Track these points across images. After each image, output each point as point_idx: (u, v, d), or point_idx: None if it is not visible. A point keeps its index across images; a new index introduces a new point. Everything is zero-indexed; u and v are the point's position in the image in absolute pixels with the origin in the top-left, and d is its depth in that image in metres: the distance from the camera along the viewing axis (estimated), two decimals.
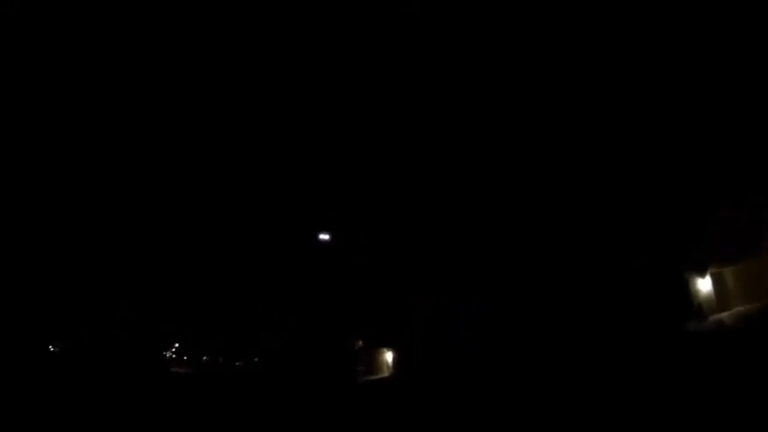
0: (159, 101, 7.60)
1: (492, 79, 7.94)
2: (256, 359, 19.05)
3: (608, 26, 7.58)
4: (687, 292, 8.64)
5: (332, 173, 9.09)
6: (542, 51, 7.66)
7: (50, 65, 6.96)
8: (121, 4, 6.80)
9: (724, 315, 8.36)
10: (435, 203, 9.15)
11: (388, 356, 11.66)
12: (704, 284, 8.77)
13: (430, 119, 8.43)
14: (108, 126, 7.73)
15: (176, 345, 23.94)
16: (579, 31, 7.57)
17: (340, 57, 7.61)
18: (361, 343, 12.48)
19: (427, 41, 7.62)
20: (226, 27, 7.14)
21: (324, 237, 10.14)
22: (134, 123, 7.78)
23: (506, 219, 8.91)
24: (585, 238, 8.71)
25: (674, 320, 8.14)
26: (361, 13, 7.26)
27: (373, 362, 12.05)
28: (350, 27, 7.35)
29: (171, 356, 23.38)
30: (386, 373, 11.72)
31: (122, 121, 7.68)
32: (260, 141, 8.31)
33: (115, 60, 7.18)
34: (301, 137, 8.51)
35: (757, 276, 8.43)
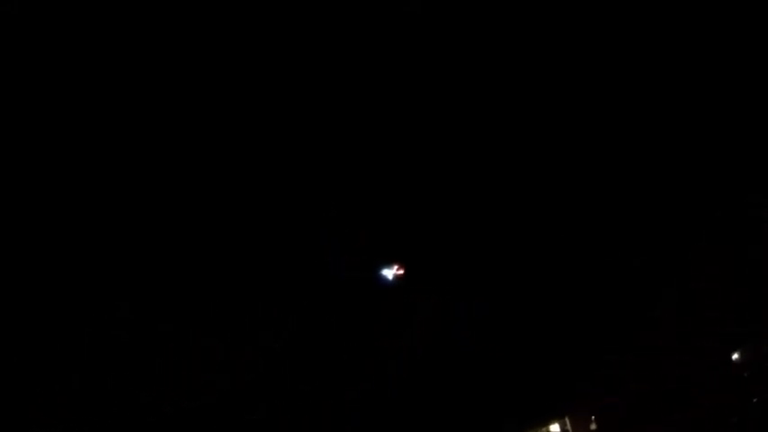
0: (159, 101, 7.61)
1: (492, 80, 7.95)
2: None
3: (608, 26, 7.58)
4: None
5: (332, 173, 9.10)
6: (543, 51, 7.67)
7: (50, 65, 6.96)
8: (121, 4, 6.81)
9: None
10: (435, 203, 9.15)
11: None
12: None
13: (430, 119, 8.43)
14: (108, 126, 7.73)
15: None
16: (579, 31, 7.58)
17: (339, 56, 7.61)
18: None
19: (427, 41, 7.62)
20: (225, 27, 7.14)
21: (388, 272, 9.05)
22: (134, 123, 7.78)
23: (506, 219, 8.91)
24: (585, 237, 8.71)
25: None
26: (360, 12, 7.26)
27: None
28: (349, 27, 7.35)
29: None
30: None
31: (122, 120, 7.68)
32: (259, 141, 8.31)
33: (115, 60, 7.19)
34: (301, 136, 8.51)
35: None
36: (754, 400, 7.61)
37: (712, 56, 7.48)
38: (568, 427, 8.23)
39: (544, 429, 8.41)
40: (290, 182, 8.53)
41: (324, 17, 7.09)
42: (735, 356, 7.79)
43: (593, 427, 8.30)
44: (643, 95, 7.92)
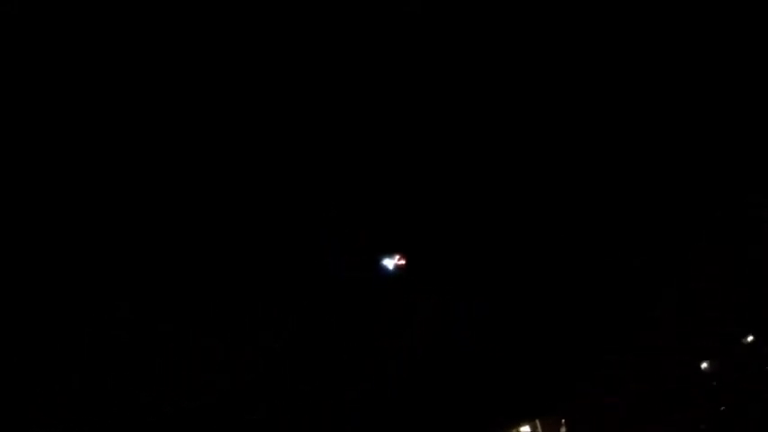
0: (159, 100, 7.60)
1: (492, 79, 7.94)
2: None
3: (608, 26, 7.58)
4: None
5: (331, 172, 9.10)
6: (544, 51, 7.66)
7: (50, 65, 6.96)
8: (121, 4, 6.81)
9: None
10: (434, 203, 9.15)
11: None
12: None
13: (430, 119, 8.43)
14: (107, 125, 7.73)
15: None
16: (579, 31, 7.57)
17: (338, 56, 7.60)
18: None
19: (427, 41, 7.61)
20: (224, 26, 7.13)
21: (388, 262, 8.96)
22: (133, 122, 7.78)
23: (506, 218, 8.90)
24: (585, 237, 8.71)
25: None
26: (360, 12, 7.25)
27: None
28: (349, 26, 7.35)
29: None
30: None
31: (122, 120, 7.68)
32: (258, 140, 8.31)
33: (115, 60, 7.18)
34: (300, 136, 8.51)
35: None
36: (754, 400, 7.61)
37: (712, 55, 7.47)
38: (539, 429, 8.22)
39: (514, 431, 8.39)
40: (290, 181, 8.53)
41: (323, 16, 7.09)
42: (704, 366, 7.82)
43: (562, 430, 8.30)
44: (642, 95, 7.91)
